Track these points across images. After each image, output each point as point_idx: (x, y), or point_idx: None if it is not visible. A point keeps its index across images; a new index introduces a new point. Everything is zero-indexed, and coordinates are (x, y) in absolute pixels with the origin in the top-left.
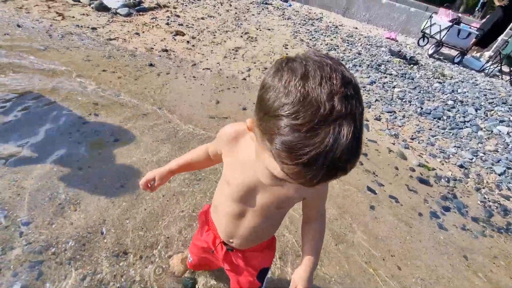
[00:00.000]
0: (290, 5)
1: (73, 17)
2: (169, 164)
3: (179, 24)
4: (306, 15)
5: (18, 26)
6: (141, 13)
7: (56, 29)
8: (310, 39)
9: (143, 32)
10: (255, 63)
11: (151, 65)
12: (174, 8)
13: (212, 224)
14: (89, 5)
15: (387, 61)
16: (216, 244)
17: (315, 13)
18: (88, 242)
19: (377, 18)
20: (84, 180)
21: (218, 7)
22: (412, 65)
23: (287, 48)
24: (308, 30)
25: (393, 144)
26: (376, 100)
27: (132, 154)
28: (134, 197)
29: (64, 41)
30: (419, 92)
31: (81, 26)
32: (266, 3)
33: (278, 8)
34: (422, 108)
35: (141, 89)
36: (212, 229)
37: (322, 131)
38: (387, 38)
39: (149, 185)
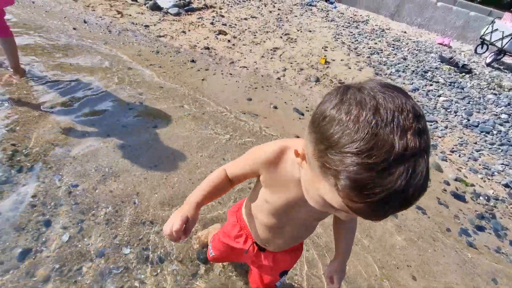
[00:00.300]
0: (335, 7)
1: (130, 15)
2: (190, 198)
3: (222, 24)
4: (351, 17)
5: (85, 21)
6: (189, 13)
7: (115, 25)
8: (352, 42)
9: (189, 30)
10: (291, 63)
11: (192, 61)
12: (220, 8)
13: (245, 226)
14: (145, 4)
15: (436, 68)
16: (248, 245)
17: (361, 15)
18: (122, 209)
19: (430, 22)
20: (125, 157)
21: (262, 8)
22: (464, 74)
23: (326, 50)
24: (351, 32)
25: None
26: None
27: (167, 140)
28: (164, 177)
29: (121, 37)
30: (468, 102)
31: (136, 24)
32: (310, 5)
33: (322, 10)
34: (469, 120)
35: (181, 82)
36: (245, 230)
37: (396, 171)
38: (439, 43)
39: (184, 230)
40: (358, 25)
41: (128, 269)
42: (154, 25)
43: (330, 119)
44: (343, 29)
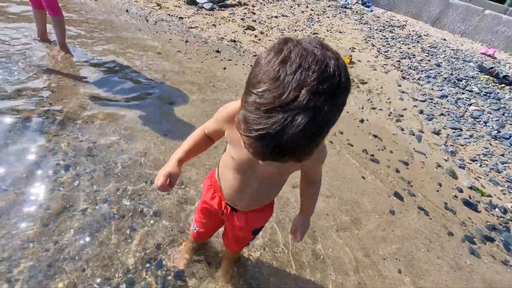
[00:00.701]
0: (371, 11)
1: (168, 7)
2: (174, 156)
3: (252, 21)
4: (387, 21)
5: (127, 11)
6: (222, 8)
7: (153, 15)
8: (383, 45)
9: (219, 24)
10: None
11: (217, 51)
12: (253, 6)
13: (218, 188)
14: None
15: (472, 77)
16: (223, 207)
17: (398, 20)
18: (130, 165)
19: (475, 31)
20: (139, 124)
21: (294, 8)
22: (503, 85)
23: (353, 51)
24: (384, 36)
25: (446, 160)
26: (442, 114)
27: (179, 115)
28: (171, 145)
29: (156, 26)
30: (503, 114)
31: (171, 15)
32: (345, 7)
33: (357, 13)
34: (499, 132)
35: (203, 69)
36: (218, 193)
37: (277, 115)
38: (481, 53)
39: (168, 183)
40: (393, 29)
41: (125, 217)
42: (188, 17)
43: (257, 62)
44: (376, 32)
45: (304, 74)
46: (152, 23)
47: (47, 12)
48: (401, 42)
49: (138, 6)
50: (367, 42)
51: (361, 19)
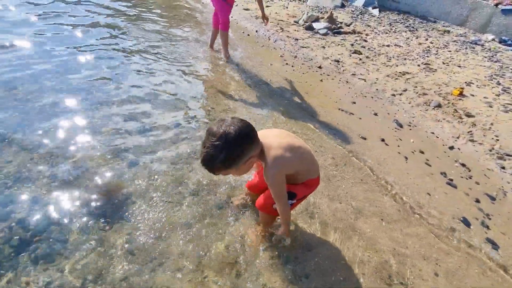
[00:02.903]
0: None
1: (288, 31)
2: None
3: (361, 47)
4: None
5: (256, 31)
6: (335, 35)
7: (274, 36)
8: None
9: (328, 47)
10: (416, 87)
11: (319, 67)
12: (366, 35)
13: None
14: (302, 25)
15: None
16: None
17: None
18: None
19: None
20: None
21: (411, 40)
22: None
23: (469, 86)
24: None
25: None
26: None
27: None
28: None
29: (275, 44)
30: None
31: (289, 37)
32: (475, 43)
33: (490, 50)
34: None
35: (302, 80)
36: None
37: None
38: None
39: None
40: None
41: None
42: (302, 39)
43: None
44: (510, 72)
45: (207, 136)
46: (272, 41)
47: (219, 27)
48: None
49: (265, 29)
50: (492, 80)
51: (492, 56)
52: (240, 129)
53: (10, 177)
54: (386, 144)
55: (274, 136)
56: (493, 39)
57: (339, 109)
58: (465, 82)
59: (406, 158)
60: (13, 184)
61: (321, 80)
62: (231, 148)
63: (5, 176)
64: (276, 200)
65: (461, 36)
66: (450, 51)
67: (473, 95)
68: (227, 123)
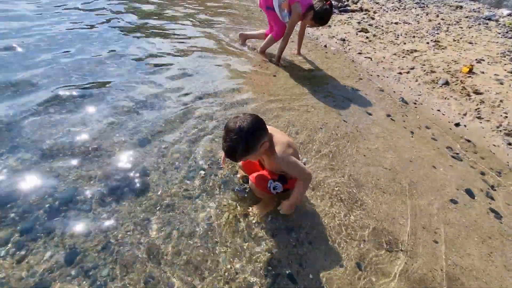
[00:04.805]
0: None
1: None
2: None
3: (369, 25)
4: None
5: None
6: (342, 13)
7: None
8: None
9: (335, 25)
10: (423, 65)
11: (325, 46)
12: (374, 12)
13: None
14: None
15: None
16: None
17: None
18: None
19: None
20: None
21: (421, 17)
22: None
23: (480, 63)
24: None
25: None
26: None
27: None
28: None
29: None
30: None
31: None
32: (489, 19)
33: (504, 26)
34: None
35: (307, 56)
36: None
37: (223, 137)
38: None
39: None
40: None
41: None
42: None
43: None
44: None
45: (226, 131)
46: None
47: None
48: None
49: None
50: (505, 57)
51: (507, 33)
52: (251, 122)
53: (36, 154)
54: (392, 120)
55: (276, 132)
56: (508, 14)
57: (345, 86)
58: (476, 59)
59: (412, 132)
60: (39, 159)
61: (326, 58)
62: (247, 138)
63: (30, 152)
64: (300, 173)
65: (475, 11)
66: (462, 27)
67: (483, 72)
68: (241, 119)
